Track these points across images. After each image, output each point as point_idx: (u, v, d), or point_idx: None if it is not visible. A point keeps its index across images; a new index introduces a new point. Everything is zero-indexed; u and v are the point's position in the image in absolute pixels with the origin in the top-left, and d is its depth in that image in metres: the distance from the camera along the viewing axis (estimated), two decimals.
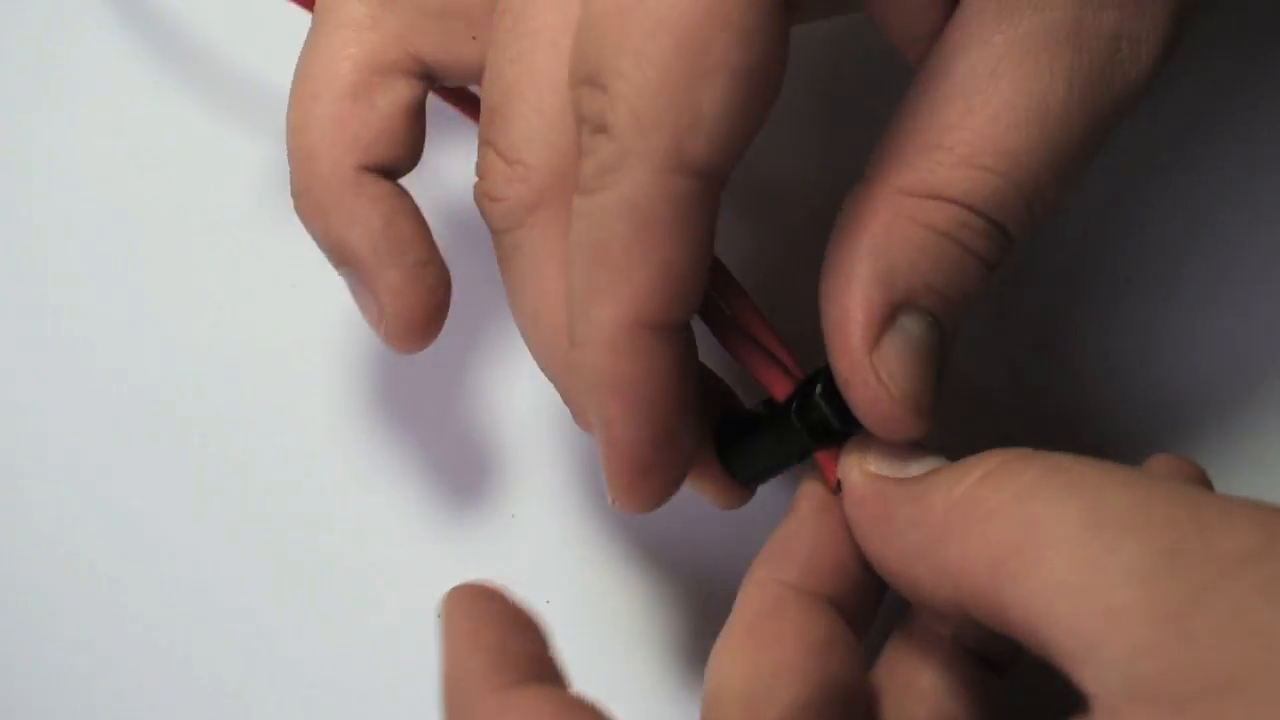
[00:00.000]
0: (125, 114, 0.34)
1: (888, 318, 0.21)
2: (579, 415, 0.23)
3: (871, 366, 0.21)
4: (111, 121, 0.34)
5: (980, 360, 0.29)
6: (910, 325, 0.21)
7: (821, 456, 0.23)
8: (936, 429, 0.21)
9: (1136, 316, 0.30)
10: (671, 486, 0.22)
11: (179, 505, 0.29)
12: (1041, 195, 0.21)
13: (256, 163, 0.33)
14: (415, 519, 0.28)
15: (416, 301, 0.25)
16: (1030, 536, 0.19)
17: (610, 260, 0.20)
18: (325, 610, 0.28)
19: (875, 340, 0.21)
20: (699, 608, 0.28)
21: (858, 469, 0.22)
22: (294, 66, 0.25)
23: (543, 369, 0.23)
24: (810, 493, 0.23)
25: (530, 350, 0.23)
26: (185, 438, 0.29)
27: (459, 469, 0.29)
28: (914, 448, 0.22)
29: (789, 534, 0.23)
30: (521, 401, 0.30)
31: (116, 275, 0.31)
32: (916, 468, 0.21)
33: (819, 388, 0.22)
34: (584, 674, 0.27)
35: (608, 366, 0.20)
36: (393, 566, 0.28)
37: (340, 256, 0.25)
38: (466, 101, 0.29)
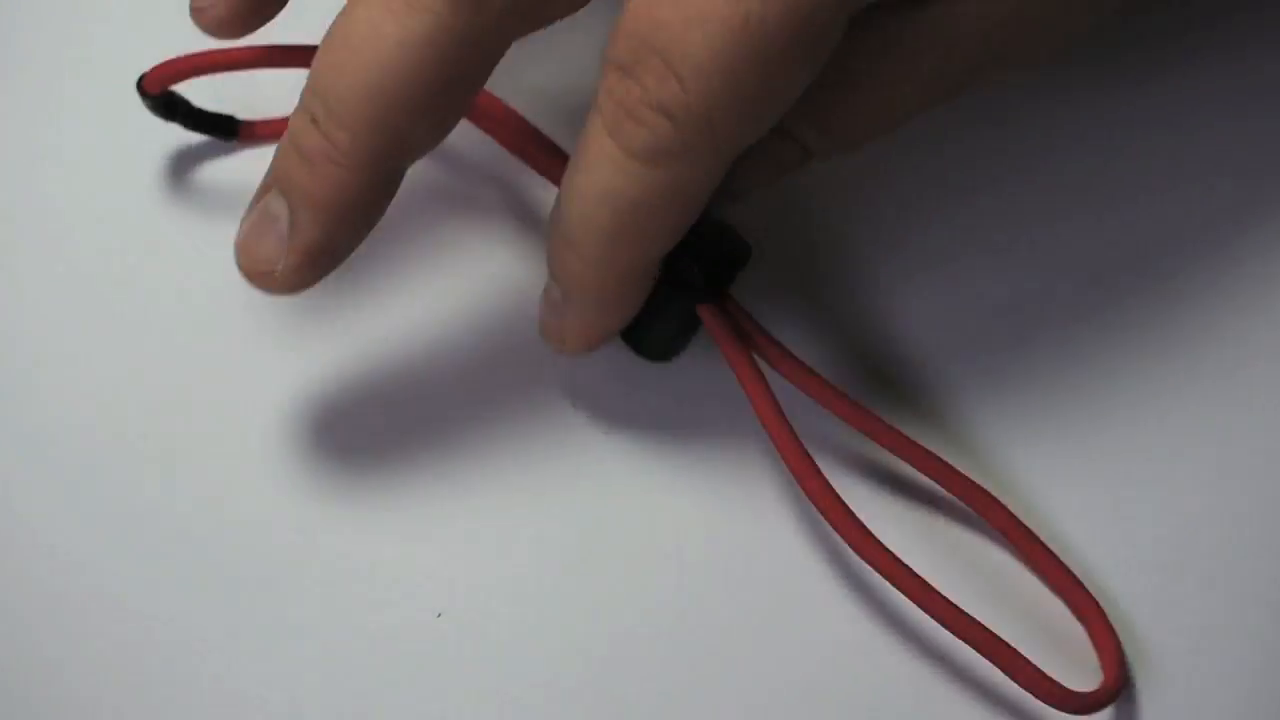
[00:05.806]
0: (121, 111, 0.33)
1: None
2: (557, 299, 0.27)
3: None
4: (107, 119, 0.33)
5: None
6: None
7: (704, 314, 0.26)
8: None
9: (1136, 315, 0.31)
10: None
11: (178, 504, 0.28)
12: None
13: (250, 161, 0.32)
14: (414, 518, 0.28)
15: None
16: None
17: (641, 219, 0.24)
18: (325, 610, 0.27)
19: None
20: (698, 606, 0.28)
21: None
22: None
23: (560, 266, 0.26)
24: None
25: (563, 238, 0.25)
26: (182, 436, 0.29)
27: (458, 468, 0.29)
28: None
29: None
30: (521, 402, 0.30)
31: (114, 273, 0.31)
32: None
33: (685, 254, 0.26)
34: (584, 673, 0.27)
35: (614, 291, 0.26)
36: (393, 566, 0.28)
37: None
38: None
